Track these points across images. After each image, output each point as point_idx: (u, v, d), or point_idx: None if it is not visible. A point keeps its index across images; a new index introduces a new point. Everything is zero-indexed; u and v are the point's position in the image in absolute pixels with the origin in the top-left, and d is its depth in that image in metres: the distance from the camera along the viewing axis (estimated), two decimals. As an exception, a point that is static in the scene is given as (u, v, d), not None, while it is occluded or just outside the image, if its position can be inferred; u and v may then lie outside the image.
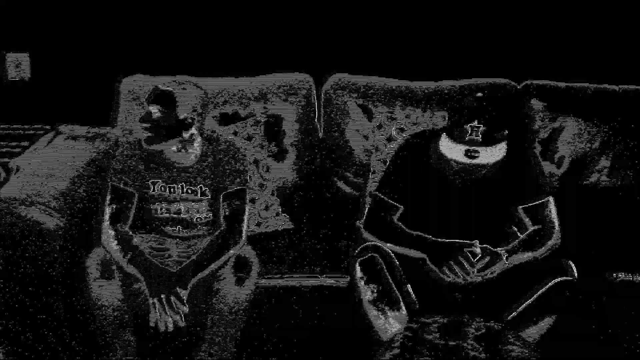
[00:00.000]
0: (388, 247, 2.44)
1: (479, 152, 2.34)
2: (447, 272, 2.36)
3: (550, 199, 2.52)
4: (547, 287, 2.34)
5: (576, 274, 2.38)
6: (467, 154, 2.34)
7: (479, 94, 2.45)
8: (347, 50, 3.34)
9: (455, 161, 2.37)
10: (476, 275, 2.35)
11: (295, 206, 2.98)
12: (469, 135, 2.34)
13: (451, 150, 2.38)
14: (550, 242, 2.47)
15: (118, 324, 2.37)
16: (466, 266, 2.34)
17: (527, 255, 2.42)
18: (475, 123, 2.34)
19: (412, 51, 3.35)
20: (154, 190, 2.54)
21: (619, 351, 2.59)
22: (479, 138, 2.33)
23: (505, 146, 2.39)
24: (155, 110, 2.44)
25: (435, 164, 2.46)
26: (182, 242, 2.58)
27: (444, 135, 2.41)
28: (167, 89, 2.44)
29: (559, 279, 2.35)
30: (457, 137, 2.35)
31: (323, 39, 3.36)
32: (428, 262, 2.40)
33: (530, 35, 3.35)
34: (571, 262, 2.41)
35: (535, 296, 2.34)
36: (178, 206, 2.55)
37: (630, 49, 3.32)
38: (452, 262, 2.35)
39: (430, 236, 2.45)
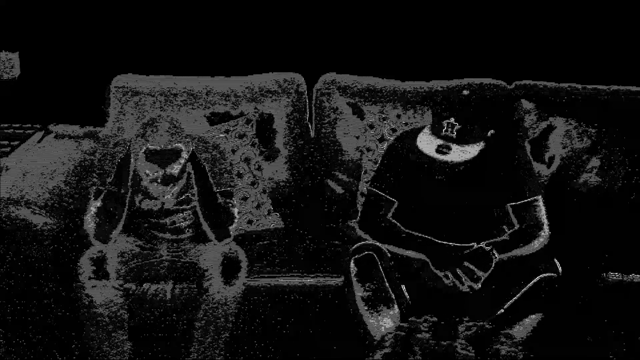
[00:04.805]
0: (384, 246, 2.44)
1: (450, 149, 2.36)
2: (451, 279, 2.36)
3: (539, 198, 2.52)
4: (531, 283, 2.34)
5: (560, 271, 2.38)
6: (438, 149, 2.37)
7: (465, 92, 2.45)
8: (339, 50, 3.35)
9: (426, 155, 2.39)
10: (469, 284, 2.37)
11: (286, 205, 2.98)
12: (444, 131, 2.37)
13: (426, 144, 2.41)
14: (537, 242, 2.46)
15: (112, 324, 2.37)
16: (476, 272, 2.35)
17: (514, 252, 2.42)
18: (452, 120, 2.36)
19: (403, 51, 3.35)
20: (138, 203, 2.54)
21: (611, 352, 2.59)
22: (453, 135, 2.36)
23: (480, 146, 2.40)
24: (170, 170, 2.45)
25: (415, 157, 2.48)
26: (170, 243, 2.58)
27: (426, 129, 2.44)
28: (169, 146, 2.44)
29: (543, 275, 2.35)
30: (434, 131, 2.39)
31: (315, 39, 3.36)
32: (431, 266, 2.39)
33: (522, 36, 3.37)
34: (555, 260, 2.41)
35: (520, 293, 2.34)
36: (164, 219, 2.55)
37: (621, 49, 3.34)
38: (457, 270, 2.36)
39: (426, 236, 2.44)
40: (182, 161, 2.47)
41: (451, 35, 3.37)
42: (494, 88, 3.13)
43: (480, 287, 2.34)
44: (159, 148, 2.43)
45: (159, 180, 2.46)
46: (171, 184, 2.48)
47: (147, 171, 2.45)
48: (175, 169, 2.46)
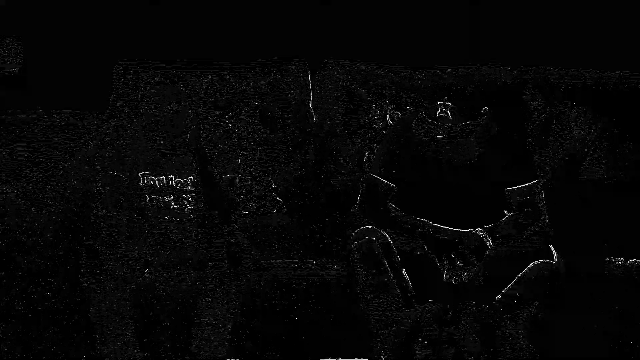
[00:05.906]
0: (384, 231, 2.44)
1: (447, 130, 2.37)
2: (446, 262, 2.36)
3: (537, 183, 2.52)
4: (527, 269, 2.34)
5: (556, 257, 2.38)
6: (436, 131, 2.38)
7: (454, 72, 2.46)
8: (342, 34, 3.33)
9: (425, 140, 2.39)
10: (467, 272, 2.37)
11: (289, 191, 2.98)
12: (439, 113, 2.38)
13: (422, 128, 2.41)
14: (534, 228, 2.46)
15: (115, 309, 2.37)
16: (471, 258, 2.35)
17: (511, 238, 2.41)
18: (445, 101, 2.37)
19: (407, 37, 3.34)
20: (143, 183, 2.53)
21: (612, 339, 2.59)
22: (448, 115, 2.37)
23: (476, 124, 2.40)
24: (169, 108, 2.43)
25: (412, 142, 2.47)
26: (174, 228, 2.58)
27: (421, 114, 2.44)
28: (172, 83, 2.44)
29: (538, 262, 2.35)
30: (429, 115, 2.40)
31: (318, 24, 3.35)
32: (426, 248, 2.40)
33: (527, 20, 3.35)
34: (551, 246, 2.41)
35: (516, 279, 2.34)
36: (168, 198, 2.55)
37: (627, 34, 3.32)
38: (452, 254, 2.36)
39: (424, 220, 2.45)
40: (182, 106, 2.44)
41: (457, 19, 3.35)
42: (498, 72, 3.12)
43: (474, 273, 2.35)
44: (163, 83, 2.43)
45: (154, 120, 2.42)
46: (163, 124, 2.43)
47: (147, 106, 2.44)
48: (172, 108, 2.43)
